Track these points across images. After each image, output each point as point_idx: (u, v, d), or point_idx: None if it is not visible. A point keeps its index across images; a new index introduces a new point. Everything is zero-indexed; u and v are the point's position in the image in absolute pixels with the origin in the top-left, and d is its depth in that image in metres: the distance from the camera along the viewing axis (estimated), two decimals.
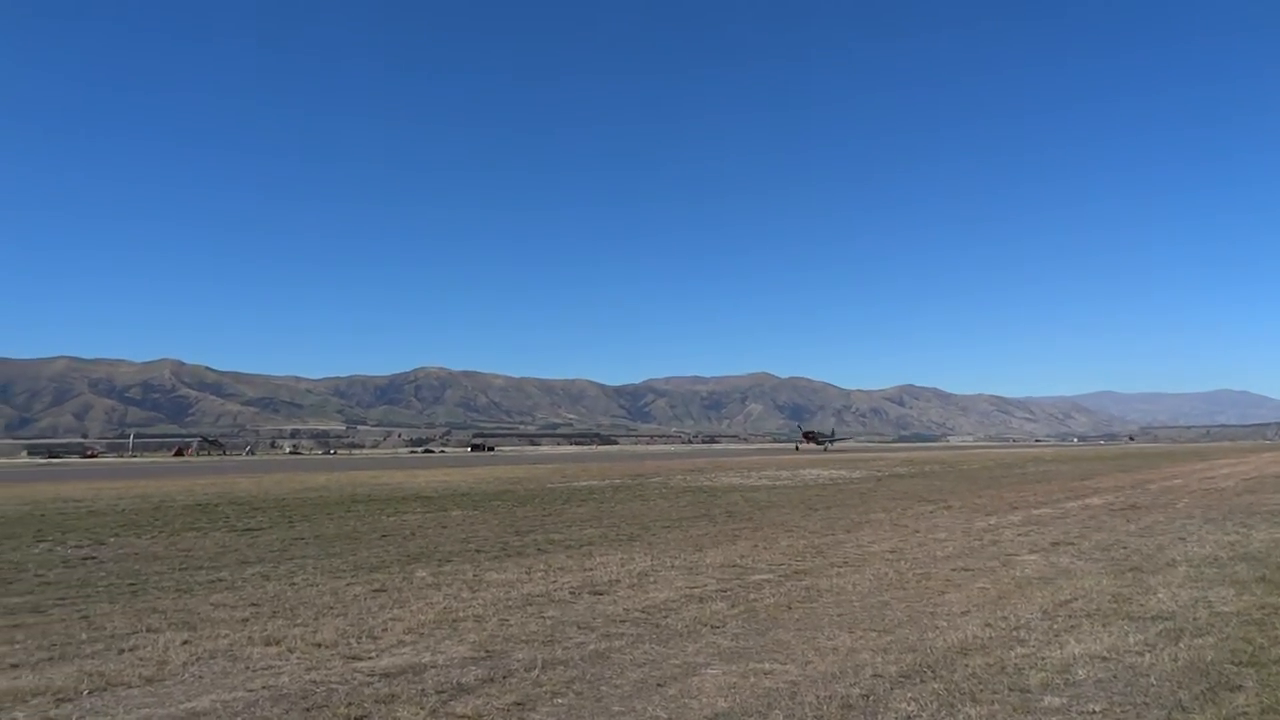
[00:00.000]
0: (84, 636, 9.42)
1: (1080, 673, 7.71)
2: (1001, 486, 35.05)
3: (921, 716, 6.65)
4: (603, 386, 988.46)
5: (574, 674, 7.79)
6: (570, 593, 11.79)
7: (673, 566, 14.06)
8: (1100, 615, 10.02)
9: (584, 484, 38.98)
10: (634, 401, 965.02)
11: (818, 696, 7.07)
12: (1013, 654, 8.32)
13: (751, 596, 11.42)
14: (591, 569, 13.91)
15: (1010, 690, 7.23)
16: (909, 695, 7.08)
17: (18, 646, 8.99)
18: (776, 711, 6.76)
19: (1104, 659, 8.13)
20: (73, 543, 18.10)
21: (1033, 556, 14.91)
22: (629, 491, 33.46)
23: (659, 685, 7.48)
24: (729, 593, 11.70)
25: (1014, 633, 9.22)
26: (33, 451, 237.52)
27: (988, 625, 9.53)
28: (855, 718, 6.64)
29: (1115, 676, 7.61)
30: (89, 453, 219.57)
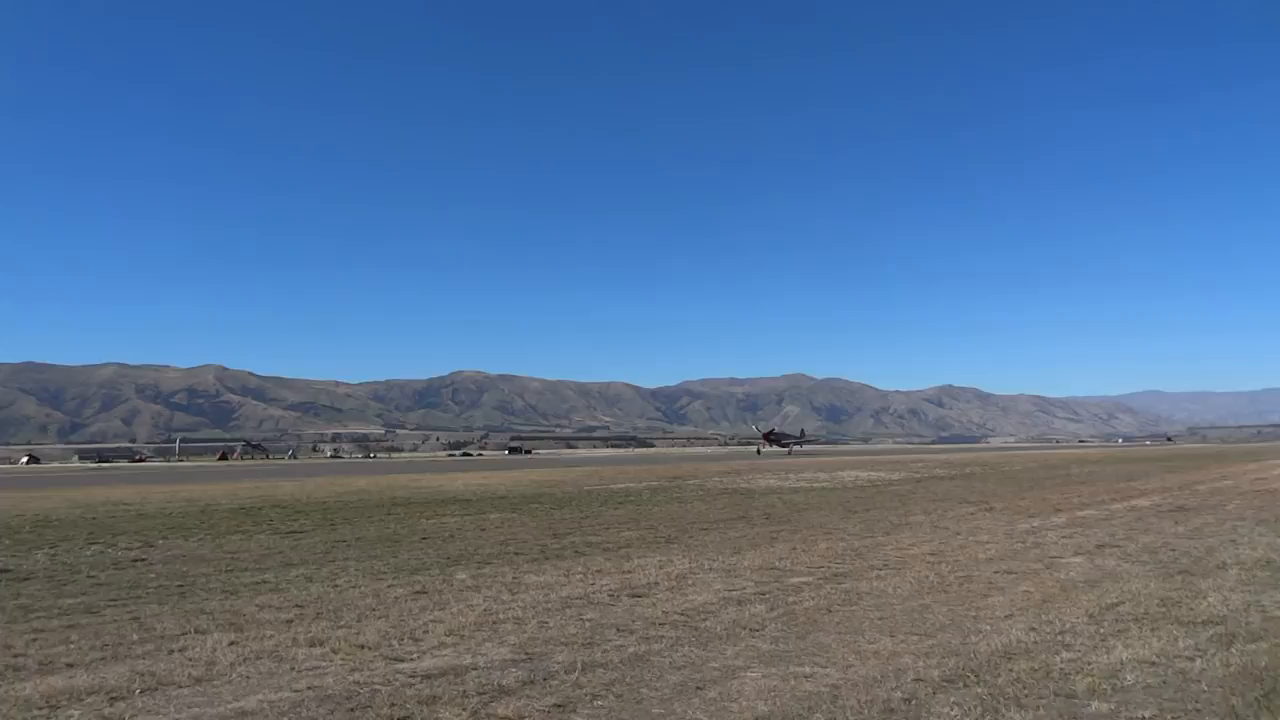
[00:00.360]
0: (135, 637, 9.65)
1: (1129, 678, 7.57)
2: (1044, 488, 34.49)
3: None
4: (638, 389, 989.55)
5: (614, 676, 7.82)
6: (609, 595, 11.82)
7: (711, 569, 14.04)
8: (1149, 619, 9.82)
9: (621, 486, 39.06)
10: (670, 404, 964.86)
11: (859, 700, 7.02)
12: (1058, 659, 8.19)
13: (790, 599, 11.36)
14: (630, 571, 13.94)
15: (1056, 695, 7.11)
16: (952, 700, 7.01)
17: (72, 646, 9.23)
18: (817, 715, 6.72)
19: (1153, 664, 7.98)
20: (123, 545, 18.53)
21: (1077, 559, 14.66)
22: (666, 494, 33.46)
23: (699, 688, 7.47)
24: (768, 595, 11.65)
25: (1059, 637, 9.07)
26: (83, 456, 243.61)
27: (1032, 629, 9.39)
28: None
29: (1165, 682, 7.46)
30: (137, 457, 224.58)
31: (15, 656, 8.81)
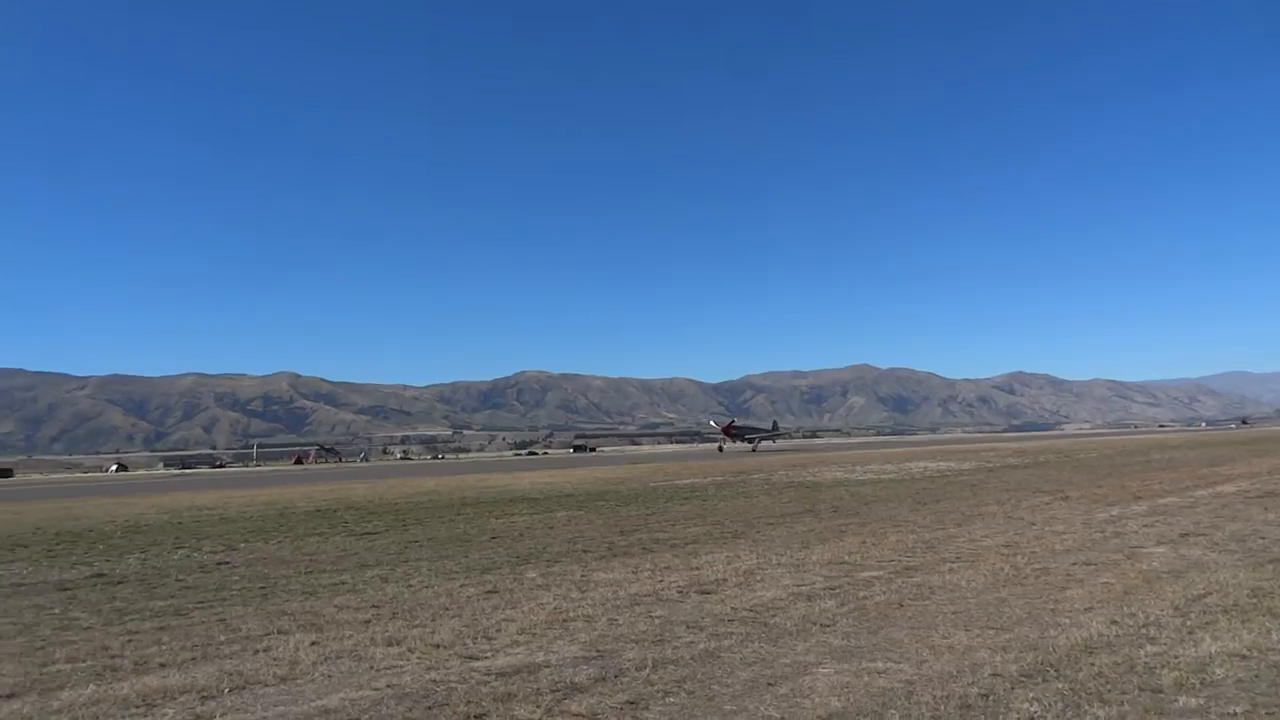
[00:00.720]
0: (222, 638, 10.02)
1: (1218, 672, 7.30)
2: (1123, 475, 33.40)
3: (1045, 717, 6.42)
4: (701, 384, 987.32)
5: (685, 673, 7.84)
6: (677, 592, 11.85)
7: (779, 564, 13.95)
8: (1239, 611, 9.45)
9: (686, 482, 39.05)
10: (733, 398, 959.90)
11: (934, 696, 6.92)
12: (1142, 652, 7.95)
13: (861, 594, 11.23)
14: (697, 568, 13.94)
15: (1141, 690, 6.91)
16: (1031, 695, 6.86)
17: (164, 647, 9.63)
18: (892, 711, 6.64)
19: (1244, 657, 7.68)
20: (208, 549, 19.23)
21: (1161, 549, 14.18)
22: (731, 489, 33.35)
23: (770, 684, 7.45)
24: (838, 590, 11.54)
25: (1143, 630, 8.79)
26: (168, 463, 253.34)
27: (1114, 622, 9.12)
28: (975, 718, 6.47)
29: (1258, 676, 7.18)
30: (218, 463, 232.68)
31: (112, 657, 9.23)
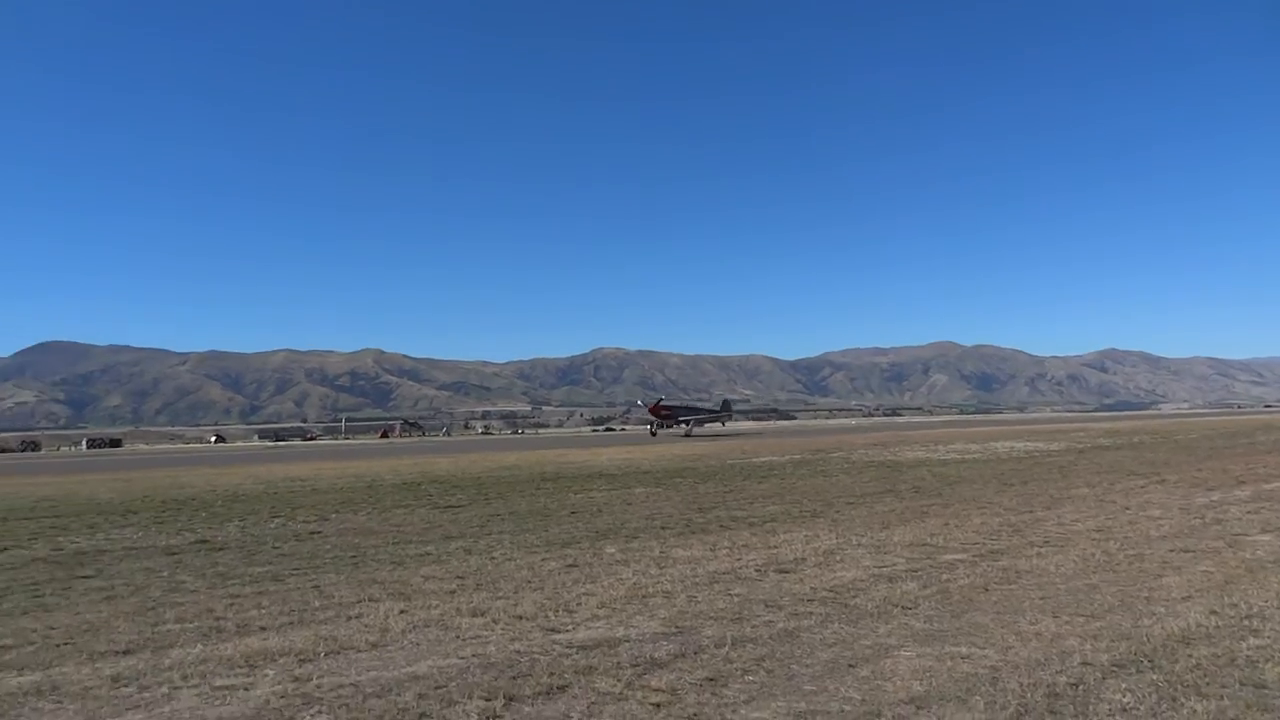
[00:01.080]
0: (317, 604, 10.46)
1: None
2: (1224, 458, 31.87)
3: (1139, 709, 6.24)
4: (778, 361, 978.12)
5: (764, 652, 7.86)
6: (756, 570, 11.85)
7: (859, 544, 13.82)
8: None
9: (764, 460, 38.89)
10: (811, 375, 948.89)
11: (1021, 684, 6.78)
12: (1244, 645, 7.63)
13: (944, 577, 11.05)
14: (776, 546, 13.91)
15: (1242, 685, 6.64)
16: (1123, 686, 6.66)
17: (264, 611, 10.12)
18: (976, 698, 6.54)
19: None
20: (301, 519, 20.04)
21: (1265, 537, 13.52)
22: (810, 467, 33.08)
23: (850, 666, 7.42)
24: (920, 572, 11.37)
25: (1245, 621, 8.43)
26: (262, 435, 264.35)
27: (1213, 613, 8.77)
28: (1064, 707, 6.32)
29: None
30: (309, 436, 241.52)
31: (216, 619, 9.75)
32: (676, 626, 8.82)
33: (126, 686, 7.28)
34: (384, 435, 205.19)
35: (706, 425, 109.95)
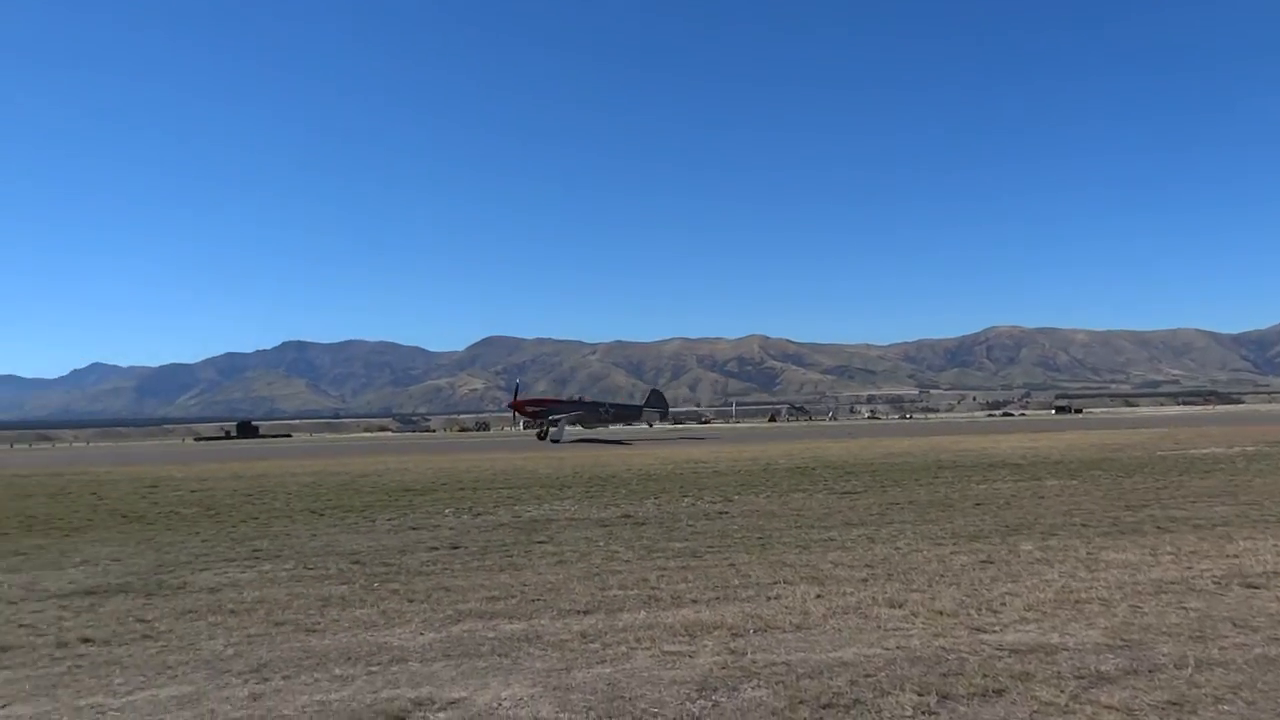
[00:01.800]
0: (735, 581, 11.13)
1: None
2: None
3: None
4: (1216, 335, 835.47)
5: (1239, 679, 6.83)
6: (1213, 582, 10.31)
7: None
8: None
9: (1204, 451, 33.57)
10: (1261, 352, 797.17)
11: None
12: None
13: None
14: (1235, 555, 11.97)
15: None
16: None
17: (690, 584, 11.01)
18: None
19: None
20: (708, 499, 21.42)
21: None
22: (1269, 461, 27.89)
23: None
24: None
25: None
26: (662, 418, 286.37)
27: None
28: None
29: None
30: (703, 419, 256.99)
31: (651, 589, 10.82)
32: (1122, 639, 7.99)
33: (592, 642, 8.39)
34: (772, 419, 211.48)
35: (611, 426, 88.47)
